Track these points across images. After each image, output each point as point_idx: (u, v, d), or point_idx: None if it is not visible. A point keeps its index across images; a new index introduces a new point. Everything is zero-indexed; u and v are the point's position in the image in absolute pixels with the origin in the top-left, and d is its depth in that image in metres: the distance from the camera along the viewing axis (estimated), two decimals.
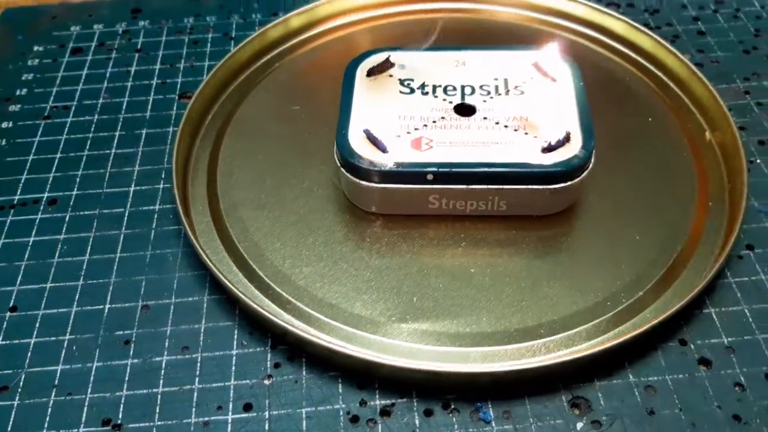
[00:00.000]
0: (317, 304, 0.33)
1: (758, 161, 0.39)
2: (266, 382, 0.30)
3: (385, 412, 0.29)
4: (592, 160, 0.35)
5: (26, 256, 0.35)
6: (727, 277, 0.34)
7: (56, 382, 0.30)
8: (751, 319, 0.32)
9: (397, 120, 0.36)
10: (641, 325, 0.31)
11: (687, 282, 0.33)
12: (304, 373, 0.30)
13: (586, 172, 0.35)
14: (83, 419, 0.29)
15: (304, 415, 0.29)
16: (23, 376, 0.31)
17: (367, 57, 0.40)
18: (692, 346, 0.31)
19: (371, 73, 0.39)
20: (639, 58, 0.45)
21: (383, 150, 0.35)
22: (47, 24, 0.49)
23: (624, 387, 0.30)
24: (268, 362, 0.31)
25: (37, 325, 0.32)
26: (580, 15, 0.47)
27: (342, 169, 0.35)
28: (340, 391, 0.30)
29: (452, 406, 0.29)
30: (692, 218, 0.36)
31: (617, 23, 0.46)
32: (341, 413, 0.29)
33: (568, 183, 0.34)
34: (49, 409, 0.30)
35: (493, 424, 0.29)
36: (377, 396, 0.30)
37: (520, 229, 0.36)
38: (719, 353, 0.31)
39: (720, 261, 0.33)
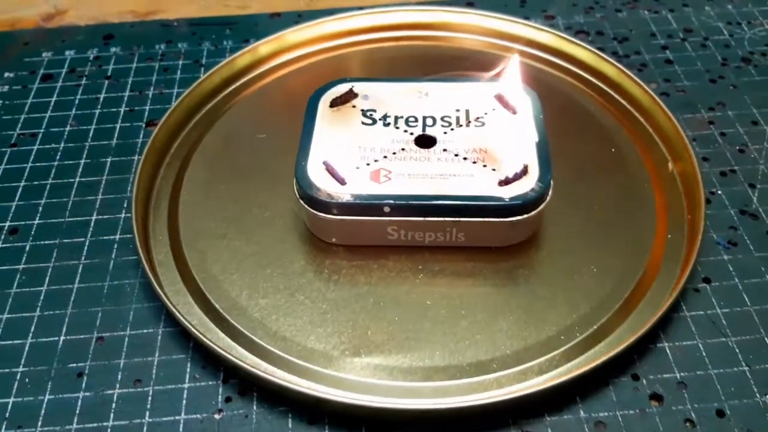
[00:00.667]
0: (271, 338, 0.33)
1: (719, 192, 0.39)
2: (216, 416, 0.30)
3: None
4: (550, 192, 0.35)
5: None
6: (683, 310, 0.34)
7: (8, 414, 0.30)
8: (704, 354, 0.32)
9: (357, 151, 0.37)
10: (593, 360, 0.31)
11: (642, 315, 0.33)
12: (254, 407, 0.30)
13: (543, 205, 0.35)
14: None
15: None
16: None
17: (331, 87, 0.40)
18: (644, 381, 0.31)
19: (334, 103, 0.39)
20: (605, 87, 0.45)
21: (341, 182, 0.35)
22: (18, 50, 0.49)
23: (574, 423, 0.30)
24: (220, 396, 0.31)
25: None
26: (546, 42, 0.47)
27: (301, 201, 0.35)
28: (290, 426, 0.30)
29: None
30: (651, 250, 0.36)
31: (583, 52, 0.46)
32: None
33: (526, 216, 0.34)
34: None
35: None
36: (326, 431, 0.30)
37: (479, 261, 0.36)
38: (671, 388, 0.31)
39: (674, 294, 0.33)
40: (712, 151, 0.41)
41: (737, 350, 0.32)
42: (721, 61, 0.47)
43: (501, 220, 0.34)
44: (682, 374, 0.31)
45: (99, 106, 0.45)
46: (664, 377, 0.31)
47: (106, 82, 0.47)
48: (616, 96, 0.45)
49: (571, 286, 0.35)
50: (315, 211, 0.35)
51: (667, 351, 0.32)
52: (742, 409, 0.30)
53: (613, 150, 0.41)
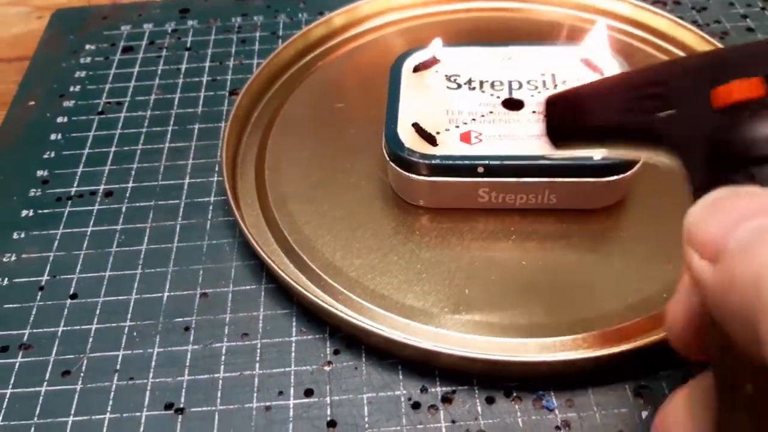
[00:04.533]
0: (369, 296, 0.33)
1: None
2: (326, 368, 0.31)
3: (446, 399, 0.29)
4: None
5: (85, 246, 0.36)
6: None
7: (118, 366, 0.31)
8: None
9: (444, 114, 0.37)
10: None
11: None
12: (363, 359, 0.31)
13: (638, 165, 0.35)
14: (146, 403, 0.30)
15: (365, 401, 0.29)
16: (85, 361, 0.31)
17: (413, 53, 0.40)
18: None
19: (417, 69, 0.39)
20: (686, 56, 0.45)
21: (432, 143, 0.35)
22: (98, 24, 0.50)
23: (689, 377, 0.30)
24: (328, 349, 0.31)
25: (98, 312, 0.33)
26: (624, 13, 0.47)
27: (391, 163, 0.36)
28: (401, 377, 0.30)
29: (514, 394, 0.29)
30: None
31: (662, 21, 0.46)
32: (402, 399, 0.29)
33: (620, 176, 0.34)
34: (112, 393, 0.30)
35: (557, 412, 0.29)
36: (438, 383, 0.30)
37: (571, 223, 0.36)
38: None
39: None
40: None
41: None
42: None
43: (596, 180, 0.34)
44: None
45: (181, 76, 0.46)
46: None
47: (186, 53, 0.47)
48: None
49: (667, 244, 0.34)
50: (405, 173, 0.35)
51: None
52: None
53: None
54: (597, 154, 0.34)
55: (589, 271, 0.34)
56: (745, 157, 0.18)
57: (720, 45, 0.43)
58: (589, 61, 0.39)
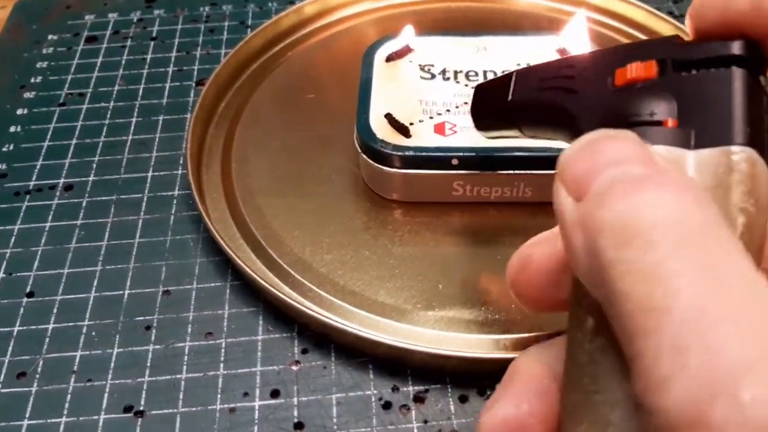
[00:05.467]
0: (340, 292, 0.32)
1: None
2: (294, 368, 0.29)
3: (418, 398, 0.28)
4: None
5: (43, 242, 0.34)
6: None
7: (75, 367, 0.30)
8: None
9: (418, 105, 0.36)
10: None
11: None
12: (332, 359, 0.30)
13: None
14: (104, 406, 0.28)
15: (334, 401, 0.28)
16: (41, 362, 0.30)
17: (386, 42, 0.39)
18: None
19: (390, 58, 0.38)
20: None
21: (406, 134, 0.34)
22: (61, 13, 0.49)
23: None
24: (296, 348, 0.30)
25: (55, 311, 0.32)
26: (598, 4, 0.46)
27: (363, 155, 0.35)
28: (371, 377, 0.29)
29: (488, 393, 0.29)
30: None
31: (638, 11, 0.45)
32: (373, 399, 0.28)
33: None
34: (68, 396, 0.29)
35: None
36: (410, 382, 0.29)
37: (546, 217, 0.34)
38: None
39: None
40: None
41: None
42: None
43: None
44: None
45: (147, 67, 0.44)
46: None
47: (152, 43, 0.46)
48: None
49: None
50: (378, 165, 0.34)
51: None
52: None
53: None
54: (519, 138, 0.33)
55: None
56: (627, 123, 0.19)
57: None
58: (565, 51, 0.38)
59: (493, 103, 0.28)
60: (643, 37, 0.45)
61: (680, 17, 0.47)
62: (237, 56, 0.43)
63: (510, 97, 0.26)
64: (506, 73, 0.27)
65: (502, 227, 0.35)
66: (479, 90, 0.31)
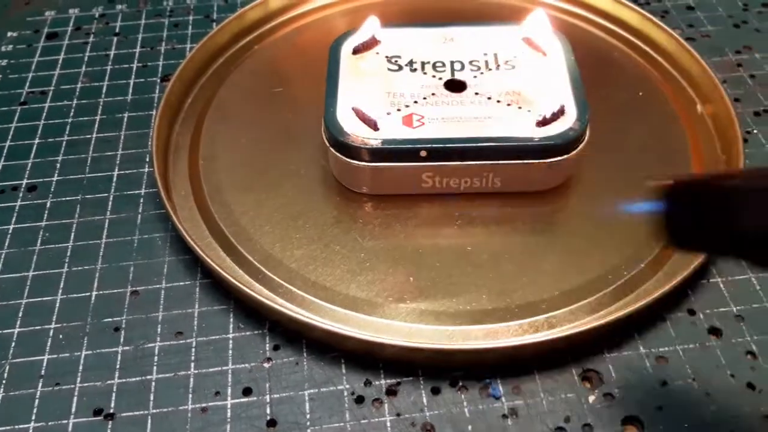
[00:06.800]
0: (311, 287, 0.32)
1: (755, 131, 0.39)
2: (266, 365, 0.29)
3: (391, 391, 0.28)
4: (588, 132, 0.34)
5: (6, 245, 0.34)
6: None
7: (43, 372, 0.29)
8: (758, 288, 0.32)
9: (386, 97, 0.36)
10: (646, 296, 0.30)
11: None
12: (304, 354, 0.30)
13: (582, 145, 0.34)
14: (73, 410, 0.28)
15: (306, 397, 0.28)
16: (8, 367, 0.29)
17: (352, 34, 0.39)
18: (701, 316, 0.31)
19: (357, 51, 0.38)
20: (626, 34, 0.44)
21: (374, 127, 0.34)
22: (20, 9, 0.48)
23: (635, 358, 0.29)
24: (267, 345, 0.30)
25: (21, 315, 0.31)
26: None
27: (331, 149, 0.34)
28: (344, 371, 0.29)
29: (460, 384, 0.29)
30: None
31: (603, 0, 0.45)
32: (345, 394, 0.28)
33: (564, 156, 0.34)
34: (37, 401, 0.28)
35: (503, 400, 0.28)
36: (382, 376, 0.29)
37: (516, 206, 0.35)
38: (729, 322, 0.31)
39: None
40: (743, 92, 0.41)
41: None
42: (743, 6, 0.47)
43: (540, 161, 0.34)
44: (738, 308, 0.31)
45: (110, 63, 0.43)
46: (720, 311, 0.31)
47: (115, 38, 0.45)
48: (639, 42, 0.44)
49: (612, 227, 0.34)
50: (347, 159, 0.34)
51: (721, 286, 0.32)
52: None
53: (641, 94, 0.41)
54: (544, 134, 0.33)
55: (534, 255, 0.33)
56: None
57: (661, 23, 0.43)
58: (531, 41, 0.38)
59: (710, 224, 0.21)
60: (608, 25, 0.45)
61: (644, 5, 0.47)
62: (202, 51, 0.42)
63: (744, 223, 0.20)
64: (714, 173, 0.23)
65: (472, 218, 0.35)
66: (677, 194, 0.23)
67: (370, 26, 0.39)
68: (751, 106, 0.40)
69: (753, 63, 0.42)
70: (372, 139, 0.33)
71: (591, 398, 0.28)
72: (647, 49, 0.43)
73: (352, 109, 0.35)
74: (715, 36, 0.44)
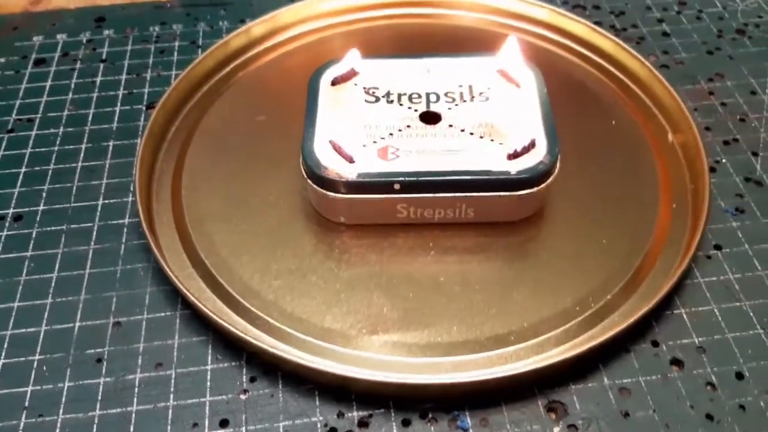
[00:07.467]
0: (287, 319, 0.33)
1: (724, 161, 0.40)
2: (242, 396, 0.30)
3: (362, 423, 0.29)
4: (558, 165, 0.35)
5: None
6: (697, 277, 0.35)
7: (26, 403, 0.30)
8: (720, 319, 0.33)
9: (362, 129, 0.37)
10: (612, 328, 0.31)
11: (655, 283, 0.34)
12: (280, 386, 0.31)
13: (551, 178, 0.35)
14: None
15: (281, 429, 0.29)
16: None
17: (331, 66, 0.40)
18: (664, 347, 0.32)
19: (335, 82, 0.39)
20: (601, 61, 0.45)
21: (349, 160, 0.35)
22: (8, 34, 0.49)
23: (599, 390, 0.30)
24: (244, 376, 0.31)
25: (5, 346, 0.32)
26: (542, 18, 0.48)
27: (308, 181, 0.35)
28: (317, 403, 0.30)
29: (430, 416, 0.30)
30: (657, 220, 0.37)
31: (579, 26, 0.46)
32: (319, 426, 0.29)
33: (535, 189, 0.35)
34: None
35: None
36: (354, 407, 0.30)
37: (489, 236, 0.36)
38: (690, 353, 0.32)
39: (686, 261, 0.33)
40: (713, 120, 0.42)
41: (751, 314, 0.33)
42: (717, 33, 0.48)
43: (511, 194, 0.35)
44: (700, 339, 0.32)
45: (96, 90, 0.44)
46: (682, 342, 0.32)
47: (102, 65, 0.46)
48: (614, 70, 0.45)
49: (582, 257, 0.35)
50: (323, 191, 0.35)
51: (684, 317, 0.33)
52: (761, 371, 0.31)
53: (613, 122, 0.42)
54: (515, 167, 0.34)
55: (505, 286, 0.34)
56: None
57: (635, 51, 0.44)
58: (505, 72, 0.39)
59: None
60: (584, 51, 0.46)
61: (621, 30, 0.48)
62: (187, 79, 0.43)
63: None
64: None
65: (446, 247, 0.36)
66: None
67: (350, 59, 0.40)
68: (721, 135, 0.41)
69: (724, 91, 0.43)
70: (348, 172, 0.34)
71: (556, 429, 0.29)
72: (621, 76, 0.44)
73: (330, 141, 0.36)
74: (689, 63, 0.45)
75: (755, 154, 0.40)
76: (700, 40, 0.47)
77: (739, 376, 0.31)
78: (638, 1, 0.50)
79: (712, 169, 0.39)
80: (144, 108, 0.43)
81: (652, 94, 0.43)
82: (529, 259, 0.35)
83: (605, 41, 0.45)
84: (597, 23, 0.47)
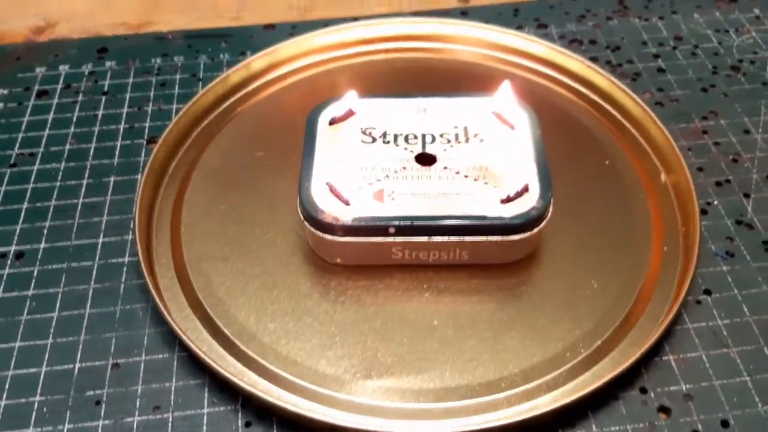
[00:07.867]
0: (282, 363, 0.33)
1: (715, 203, 0.40)
2: None
3: None
4: (551, 209, 0.36)
5: None
6: (686, 322, 0.35)
7: None
8: (708, 365, 0.33)
9: (359, 171, 0.37)
10: (602, 376, 0.32)
11: (644, 328, 0.34)
12: (275, 431, 0.31)
13: (544, 222, 0.36)
14: None
15: None
16: None
17: (330, 104, 0.40)
18: (652, 394, 0.32)
19: (333, 121, 0.40)
20: (597, 99, 0.46)
21: (345, 203, 0.36)
22: (11, 65, 0.49)
23: None
24: (239, 420, 0.31)
25: (7, 387, 0.33)
26: (539, 54, 0.48)
27: (305, 223, 0.36)
28: None
29: None
30: (648, 263, 0.37)
31: (575, 63, 0.47)
32: None
33: (527, 233, 0.35)
34: None
35: None
36: None
37: (482, 278, 0.37)
38: (678, 401, 0.32)
39: (676, 307, 0.34)
40: (706, 161, 0.42)
41: (739, 361, 0.33)
42: (712, 69, 0.48)
43: (504, 238, 0.35)
44: (687, 386, 0.33)
45: (98, 124, 0.45)
46: (670, 390, 0.32)
47: (104, 98, 0.47)
48: (609, 107, 0.45)
49: (573, 301, 0.36)
50: (320, 233, 0.36)
51: (673, 363, 0.33)
52: (745, 419, 0.31)
53: (607, 162, 0.42)
54: (508, 212, 0.35)
55: (498, 330, 0.35)
56: None
57: (629, 89, 0.44)
58: (500, 114, 0.40)
59: None
60: (579, 88, 0.46)
61: (617, 66, 0.48)
62: (187, 114, 0.44)
63: None
64: None
65: (440, 289, 0.36)
66: None
67: (348, 99, 0.40)
68: (713, 176, 0.41)
69: (718, 130, 0.44)
70: (344, 215, 0.35)
71: None
72: (616, 114, 0.45)
73: (327, 184, 0.36)
74: (683, 101, 0.46)
75: (747, 195, 0.40)
76: (695, 77, 0.48)
77: (725, 424, 0.31)
78: (634, 35, 0.51)
79: (703, 212, 0.39)
80: (145, 143, 0.44)
81: (646, 134, 0.43)
82: (521, 302, 0.36)
83: (601, 79, 0.46)
84: (593, 59, 0.48)
